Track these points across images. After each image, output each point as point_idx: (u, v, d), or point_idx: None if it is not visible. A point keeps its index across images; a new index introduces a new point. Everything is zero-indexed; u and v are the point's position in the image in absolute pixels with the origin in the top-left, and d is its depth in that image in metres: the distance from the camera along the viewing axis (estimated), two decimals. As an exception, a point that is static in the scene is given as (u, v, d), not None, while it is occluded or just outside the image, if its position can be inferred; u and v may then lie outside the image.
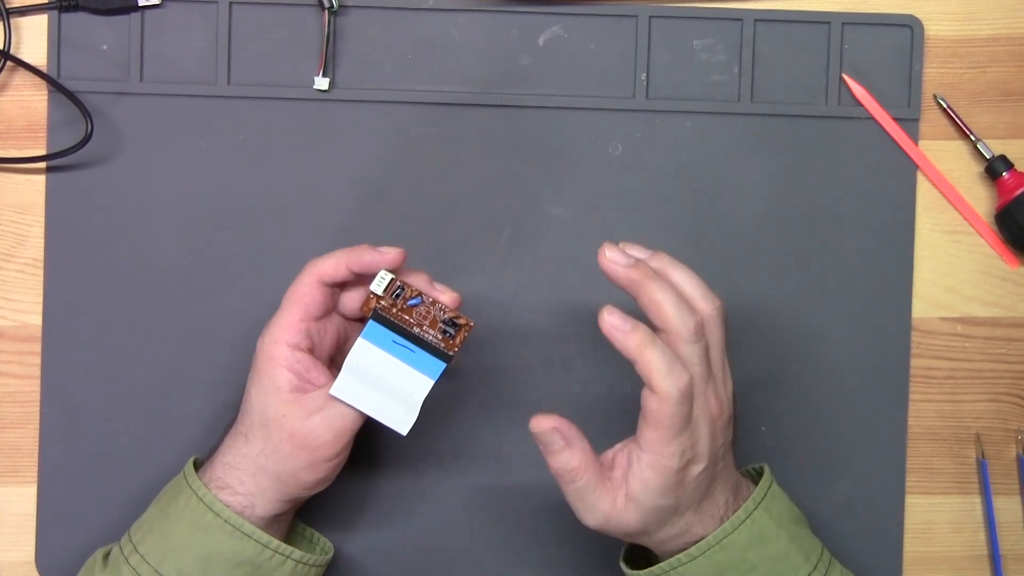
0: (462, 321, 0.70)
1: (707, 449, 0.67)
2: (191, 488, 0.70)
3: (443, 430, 0.79)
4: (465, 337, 0.70)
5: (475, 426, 0.80)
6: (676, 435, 0.65)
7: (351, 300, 0.72)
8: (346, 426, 0.69)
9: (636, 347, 0.65)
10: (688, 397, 0.65)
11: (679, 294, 0.67)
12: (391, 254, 0.70)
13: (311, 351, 0.70)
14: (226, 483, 0.70)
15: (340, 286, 0.72)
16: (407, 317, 0.70)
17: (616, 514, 0.67)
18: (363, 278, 0.71)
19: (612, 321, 0.65)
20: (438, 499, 0.80)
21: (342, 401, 0.69)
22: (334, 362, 0.73)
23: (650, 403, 0.65)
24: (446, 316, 0.70)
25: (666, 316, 0.66)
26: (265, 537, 0.69)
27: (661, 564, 0.70)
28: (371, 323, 0.70)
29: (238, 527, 0.69)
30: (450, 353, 0.70)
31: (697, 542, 0.69)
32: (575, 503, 0.68)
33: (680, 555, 0.69)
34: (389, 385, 0.69)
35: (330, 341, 0.72)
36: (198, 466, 0.73)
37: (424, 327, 0.70)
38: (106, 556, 0.73)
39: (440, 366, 0.70)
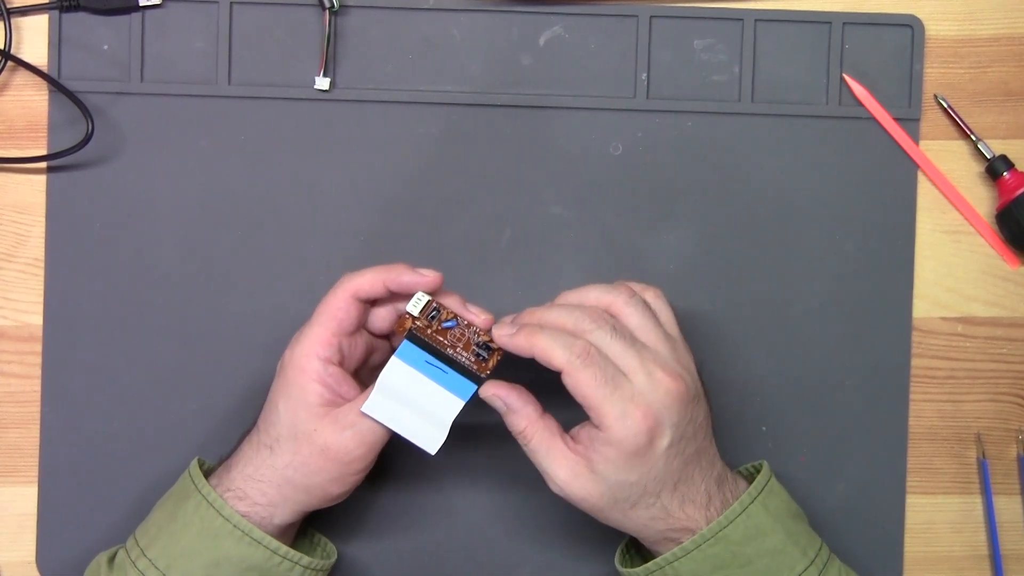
0: (496, 345, 0.70)
1: (668, 421, 0.67)
2: (200, 493, 0.70)
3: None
4: (498, 361, 0.70)
5: (476, 432, 0.80)
6: (607, 398, 0.66)
7: (380, 317, 0.72)
8: (377, 440, 0.70)
9: (526, 341, 0.68)
10: (591, 358, 0.66)
11: (567, 309, 0.69)
12: (430, 277, 0.70)
13: (341, 365, 0.70)
14: (245, 494, 0.70)
15: (372, 302, 0.72)
16: (442, 339, 0.70)
17: (577, 483, 0.68)
18: (396, 295, 0.71)
19: (499, 332, 0.69)
20: (441, 506, 0.80)
21: (373, 419, 0.69)
22: (358, 375, 0.73)
23: (567, 383, 0.67)
24: (480, 339, 0.70)
25: (563, 328, 0.68)
26: (274, 543, 0.69)
27: (656, 560, 0.70)
28: (405, 343, 0.70)
29: (247, 532, 0.69)
30: (482, 376, 0.70)
31: (682, 530, 0.69)
32: (537, 467, 0.69)
33: (675, 550, 0.69)
34: (419, 404, 0.70)
35: (359, 355, 0.72)
36: (204, 469, 0.72)
37: (458, 349, 0.70)
38: (110, 560, 0.72)
39: (471, 388, 0.70)
